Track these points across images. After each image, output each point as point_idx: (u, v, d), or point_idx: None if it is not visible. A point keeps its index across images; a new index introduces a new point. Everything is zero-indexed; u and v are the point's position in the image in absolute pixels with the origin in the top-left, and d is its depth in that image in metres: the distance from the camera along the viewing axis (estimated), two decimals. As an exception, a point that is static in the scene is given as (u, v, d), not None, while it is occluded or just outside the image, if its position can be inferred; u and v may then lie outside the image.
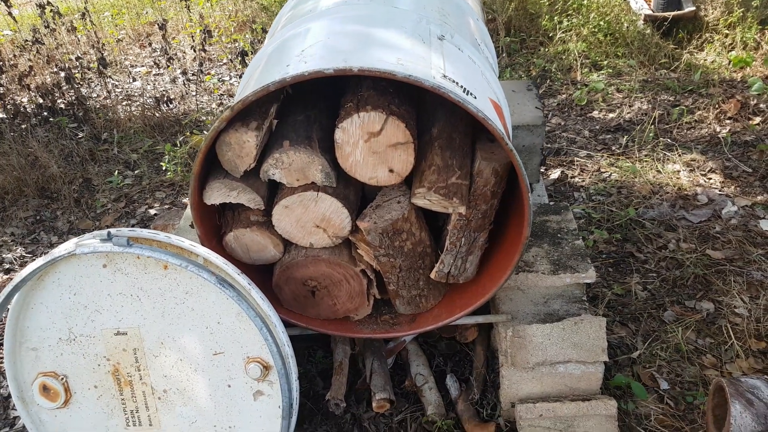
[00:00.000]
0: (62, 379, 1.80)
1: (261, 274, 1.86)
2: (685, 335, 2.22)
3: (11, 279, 2.85)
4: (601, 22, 4.36)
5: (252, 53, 4.48)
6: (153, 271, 1.65)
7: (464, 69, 1.66)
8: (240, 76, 4.41)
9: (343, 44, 1.58)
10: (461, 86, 1.54)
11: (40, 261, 1.66)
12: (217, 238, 1.79)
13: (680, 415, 1.95)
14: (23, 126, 3.81)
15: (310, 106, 1.75)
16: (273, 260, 1.83)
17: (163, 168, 3.31)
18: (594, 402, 1.82)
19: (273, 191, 1.77)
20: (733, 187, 2.98)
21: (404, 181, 1.69)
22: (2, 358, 2.48)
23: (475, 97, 1.56)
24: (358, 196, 1.79)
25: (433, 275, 1.80)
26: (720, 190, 2.97)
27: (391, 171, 1.63)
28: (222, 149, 1.60)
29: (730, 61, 3.96)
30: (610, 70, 4.07)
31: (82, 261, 1.67)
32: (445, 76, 1.52)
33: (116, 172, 3.37)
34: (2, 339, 2.47)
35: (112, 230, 1.62)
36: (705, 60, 4.07)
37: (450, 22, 1.87)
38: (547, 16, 4.54)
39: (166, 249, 1.64)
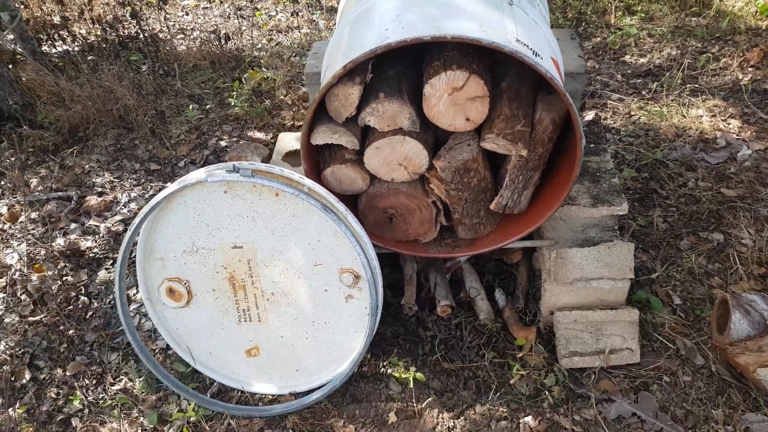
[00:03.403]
0: (185, 283, 2.16)
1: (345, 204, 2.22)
2: (698, 261, 2.60)
3: (105, 201, 3.24)
4: (636, -35, 4.46)
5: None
6: (266, 197, 1.99)
7: (531, 32, 1.94)
8: (290, 14, 4.57)
9: (432, 12, 1.85)
10: (531, 49, 1.83)
11: (173, 186, 2.00)
12: (315, 172, 2.14)
13: (689, 324, 2.37)
14: (94, 59, 4.07)
15: (397, 63, 2.05)
16: (359, 192, 2.18)
17: (232, 104, 3.61)
18: (620, 310, 2.23)
19: (362, 134, 2.10)
20: (749, 132, 3.27)
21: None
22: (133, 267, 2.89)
23: (542, 58, 1.85)
24: (433, 140, 2.12)
25: (492, 206, 2.16)
26: (737, 135, 3.25)
27: (467, 120, 1.95)
28: (330, 99, 1.92)
29: (757, 9, 4.11)
30: (643, 15, 4.23)
31: (206, 187, 2.00)
32: (518, 40, 1.81)
33: (190, 106, 3.67)
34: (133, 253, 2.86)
35: (235, 163, 1.96)
36: (734, 7, 4.22)
37: (517, -13, 2.12)
38: (584, -42, 4.63)
39: (278, 180, 2.00)
